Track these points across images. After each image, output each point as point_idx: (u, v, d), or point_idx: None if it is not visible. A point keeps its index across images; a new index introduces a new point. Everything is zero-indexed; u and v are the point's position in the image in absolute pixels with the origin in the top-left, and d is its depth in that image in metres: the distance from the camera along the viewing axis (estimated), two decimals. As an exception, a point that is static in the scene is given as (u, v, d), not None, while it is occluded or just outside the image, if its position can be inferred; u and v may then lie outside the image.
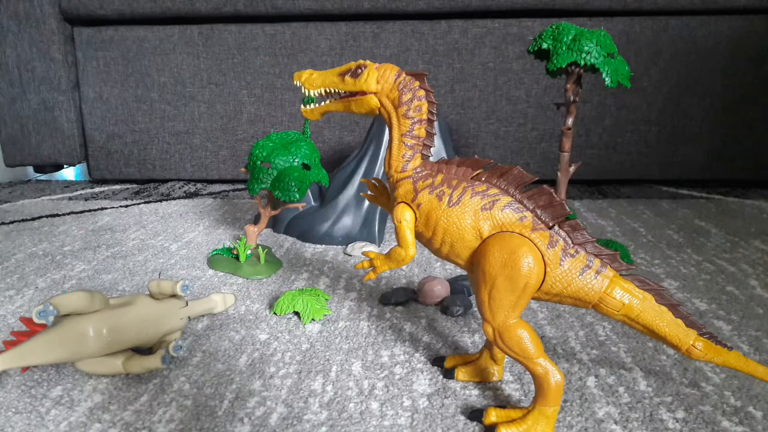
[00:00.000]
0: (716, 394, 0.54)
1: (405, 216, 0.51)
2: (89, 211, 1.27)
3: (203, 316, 0.71)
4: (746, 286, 0.81)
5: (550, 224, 0.47)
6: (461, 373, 0.56)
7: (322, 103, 0.55)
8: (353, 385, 0.56)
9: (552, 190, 0.47)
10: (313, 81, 0.53)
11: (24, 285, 0.82)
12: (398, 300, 0.74)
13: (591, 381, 0.56)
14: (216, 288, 0.81)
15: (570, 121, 0.88)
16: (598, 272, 0.47)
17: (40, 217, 1.21)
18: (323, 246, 1.00)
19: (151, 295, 0.61)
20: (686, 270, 0.87)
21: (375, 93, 0.52)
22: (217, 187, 1.56)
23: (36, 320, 0.50)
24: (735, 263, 0.90)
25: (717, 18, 1.42)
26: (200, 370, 0.59)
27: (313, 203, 1.08)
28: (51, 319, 0.51)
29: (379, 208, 1.02)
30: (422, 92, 0.51)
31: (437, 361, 0.59)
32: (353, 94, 0.53)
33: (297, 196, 0.85)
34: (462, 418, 0.51)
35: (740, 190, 1.49)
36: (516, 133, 1.51)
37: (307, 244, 1.01)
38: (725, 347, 0.48)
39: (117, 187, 1.58)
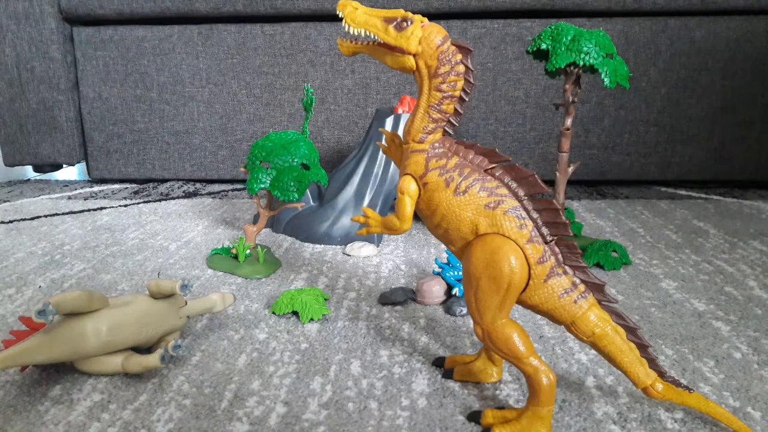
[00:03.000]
0: (715, 394, 0.54)
1: (410, 189, 0.50)
2: (88, 210, 1.27)
3: (202, 315, 0.71)
4: (745, 287, 0.81)
5: (548, 240, 0.46)
6: (460, 374, 0.56)
7: (359, 43, 0.50)
8: (352, 385, 0.56)
9: (560, 207, 0.46)
10: (356, 17, 0.49)
11: (23, 284, 0.82)
12: (397, 300, 0.74)
13: (590, 381, 0.57)
14: (215, 287, 0.81)
15: (569, 122, 0.89)
16: (579, 298, 0.46)
17: (39, 217, 1.21)
18: (322, 246, 1.00)
19: (151, 295, 0.61)
20: (685, 270, 0.88)
21: (414, 54, 0.48)
22: (216, 187, 1.56)
23: (35, 319, 0.50)
24: (733, 264, 0.90)
25: (716, 18, 1.42)
26: (199, 370, 0.59)
27: (312, 203, 1.08)
28: (50, 318, 0.51)
29: (379, 207, 1.02)
30: (462, 68, 0.48)
31: (437, 361, 0.59)
32: (392, 47, 0.49)
33: (296, 195, 0.85)
34: (461, 418, 0.51)
35: (739, 190, 1.49)
36: (515, 133, 1.51)
37: (306, 244, 1.01)
38: (687, 389, 0.48)
39: (116, 186, 1.58)
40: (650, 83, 1.46)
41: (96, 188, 1.55)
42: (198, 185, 1.58)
